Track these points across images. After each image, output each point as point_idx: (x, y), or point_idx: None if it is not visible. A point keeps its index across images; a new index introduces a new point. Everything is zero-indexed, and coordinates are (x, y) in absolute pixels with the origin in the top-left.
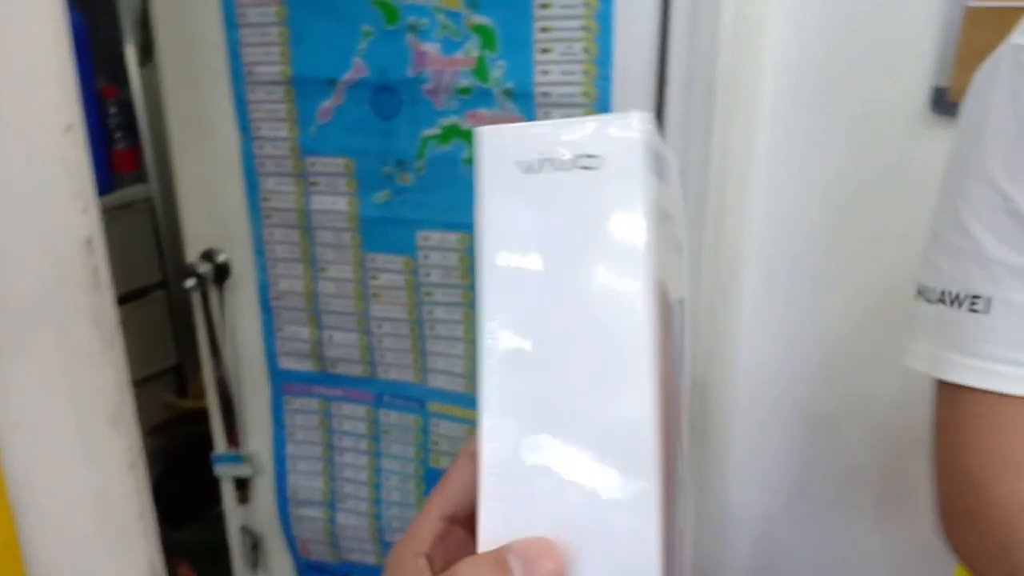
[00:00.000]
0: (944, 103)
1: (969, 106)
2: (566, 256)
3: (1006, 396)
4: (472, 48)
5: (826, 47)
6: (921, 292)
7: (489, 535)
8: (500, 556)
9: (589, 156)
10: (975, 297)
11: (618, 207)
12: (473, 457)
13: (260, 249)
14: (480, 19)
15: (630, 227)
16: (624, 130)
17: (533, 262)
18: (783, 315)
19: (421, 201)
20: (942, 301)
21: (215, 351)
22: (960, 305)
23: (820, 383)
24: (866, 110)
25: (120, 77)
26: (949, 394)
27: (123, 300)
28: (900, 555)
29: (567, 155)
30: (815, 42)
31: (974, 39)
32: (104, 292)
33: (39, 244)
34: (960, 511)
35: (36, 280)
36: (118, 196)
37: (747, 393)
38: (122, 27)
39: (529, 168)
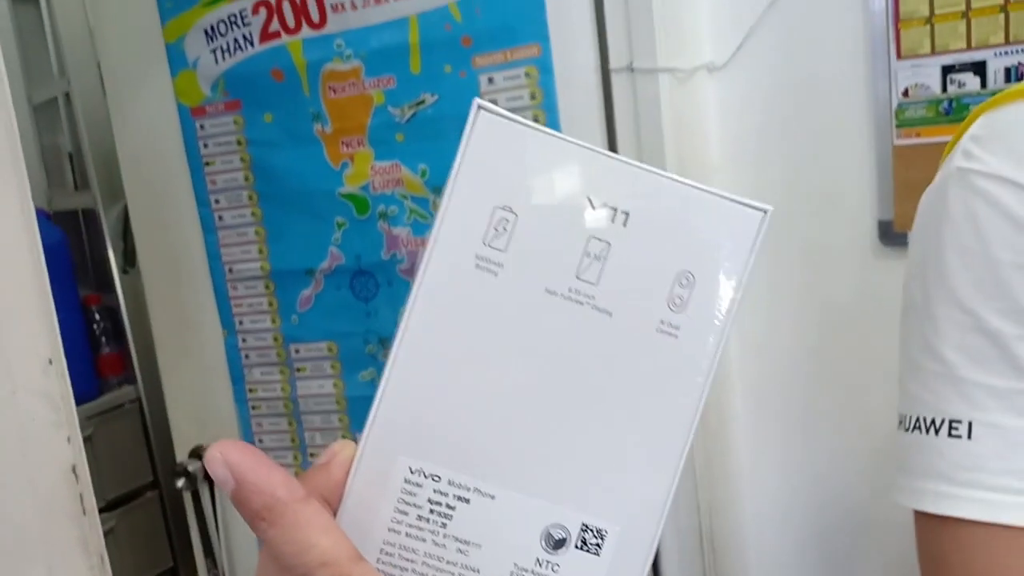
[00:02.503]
0: (891, 235)
1: (920, 234)
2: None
3: (999, 526)
4: None
5: (772, 190)
6: (900, 422)
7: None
8: None
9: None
10: (954, 422)
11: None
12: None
13: (249, 441)
14: None
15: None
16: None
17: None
18: (781, 456)
19: None
20: (919, 428)
21: (209, 550)
22: (938, 431)
23: (830, 521)
24: (820, 246)
25: (103, 284)
26: (935, 527)
27: (116, 504)
28: None
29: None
30: (761, 186)
31: (906, 174)
32: (91, 518)
33: (25, 476)
34: None
35: (23, 513)
36: (106, 400)
37: (757, 540)
38: (104, 237)
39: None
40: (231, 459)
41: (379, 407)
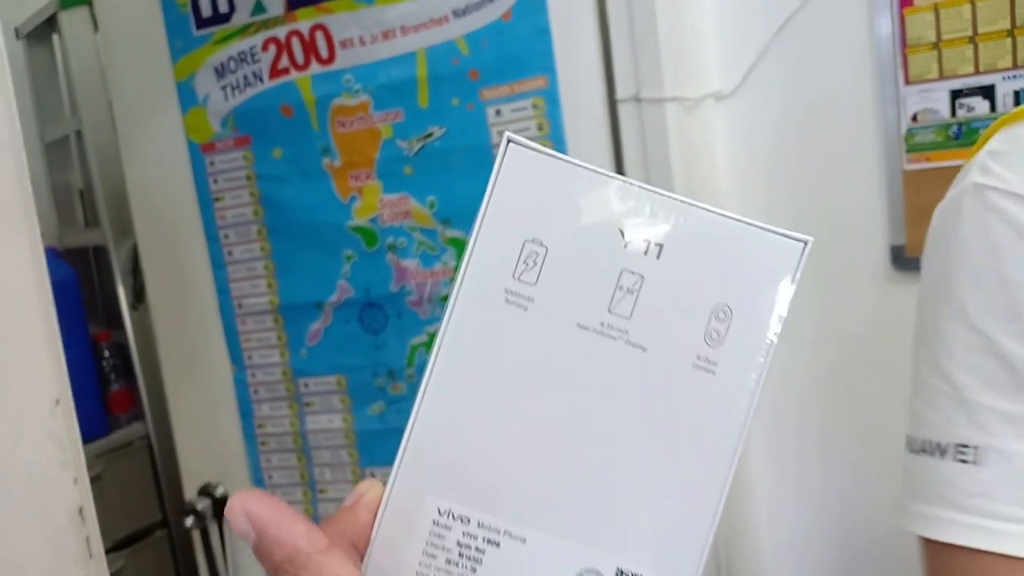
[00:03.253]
0: (903, 260)
1: (932, 250)
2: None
3: (1004, 556)
4: (449, 259)
5: (782, 217)
6: (908, 444)
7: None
8: None
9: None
10: (962, 446)
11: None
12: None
13: (258, 477)
14: (454, 233)
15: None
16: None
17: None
18: (798, 485)
19: None
20: (925, 451)
21: None
22: (944, 455)
23: (849, 550)
24: (834, 274)
25: (113, 321)
26: (940, 553)
27: (125, 543)
28: None
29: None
30: (771, 213)
31: (917, 199)
32: (98, 562)
33: (31, 518)
34: None
35: (29, 555)
36: (116, 438)
37: (774, 570)
38: (114, 274)
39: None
40: (251, 510)
41: (407, 446)
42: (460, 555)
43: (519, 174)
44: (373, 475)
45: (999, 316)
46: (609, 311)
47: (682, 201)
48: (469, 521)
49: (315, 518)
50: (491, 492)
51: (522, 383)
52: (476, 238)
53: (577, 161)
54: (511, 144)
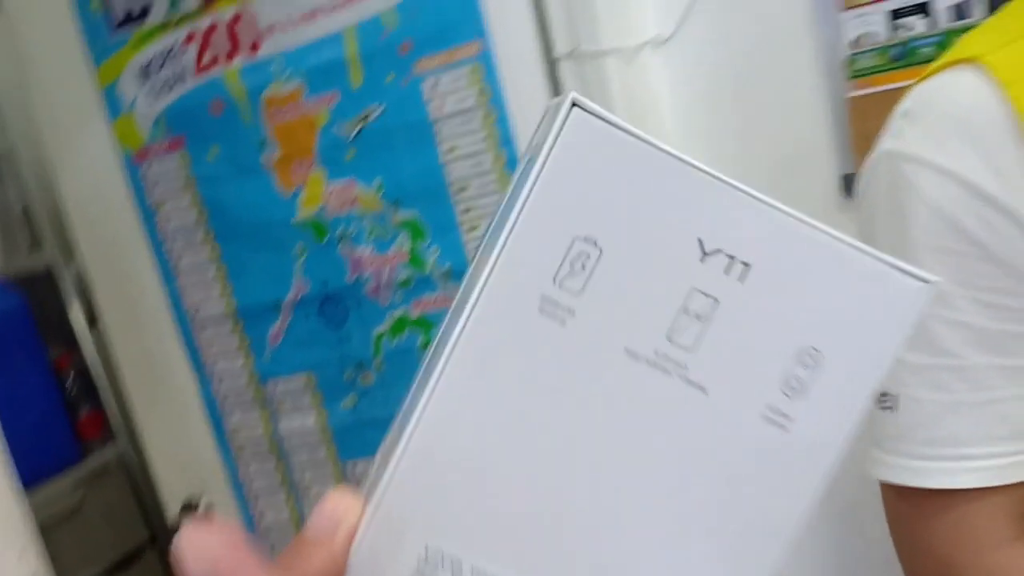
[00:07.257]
0: (855, 188)
1: (862, 206)
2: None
3: (928, 491)
4: (404, 242)
5: (731, 156)
6: None
7: None
8: None
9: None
10: (883, 395)
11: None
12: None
13: (237, 485)
14: (405, 214)
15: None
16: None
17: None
18: None
19: (388, 396)
20: None
21: None
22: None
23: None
24: (784, 204)
25: (73, 343)
26: (883, 491)
27: (119, 566)
28: None
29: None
30: (720, 153)
31: (864, 125)
32: None
33: None
34: None
35: None
36: (91, 463)
37: None
38: (66, 296)
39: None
40: (204, 556)
41: (397, 467)
42: None
43: (579, 149)
44: (355, 466)
45: None
46: (668, 338)
47: (786, 212)
48: (461, 564)
49: (301, 520)
50: (492, 534)
51: (547, 412)
52: (514, 225)
53: (659, 144)
54: (575, 108)
